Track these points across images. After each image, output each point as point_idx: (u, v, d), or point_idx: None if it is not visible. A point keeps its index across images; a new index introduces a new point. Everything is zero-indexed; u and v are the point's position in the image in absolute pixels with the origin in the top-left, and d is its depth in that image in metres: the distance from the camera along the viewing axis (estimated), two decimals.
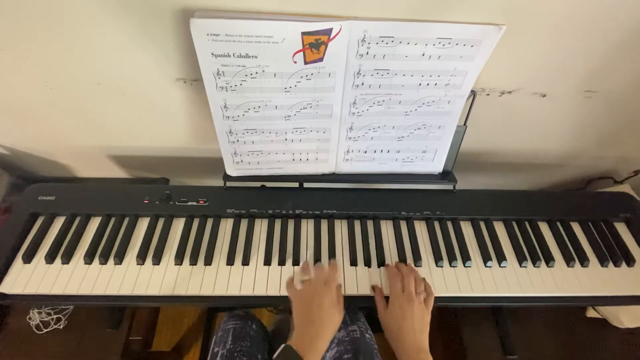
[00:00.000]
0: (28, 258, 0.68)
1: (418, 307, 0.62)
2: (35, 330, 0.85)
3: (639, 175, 0.97)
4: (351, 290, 0.67)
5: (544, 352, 0.88)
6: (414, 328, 0.60)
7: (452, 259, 0.71)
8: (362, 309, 0.83)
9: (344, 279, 0.68)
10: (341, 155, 0.75)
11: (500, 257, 0.72)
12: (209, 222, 0.75)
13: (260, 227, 0.75)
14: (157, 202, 0.76)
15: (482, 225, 0.77)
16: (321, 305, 0.59)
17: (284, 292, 0.66)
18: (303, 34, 0.54)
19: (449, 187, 0.80)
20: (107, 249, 0.70)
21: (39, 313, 0.87)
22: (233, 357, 0.69)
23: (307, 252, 0.71)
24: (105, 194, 0.77)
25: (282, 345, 0.56)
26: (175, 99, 0.74)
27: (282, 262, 0.70)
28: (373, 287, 0.68)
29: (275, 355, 0.55)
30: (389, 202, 0.77)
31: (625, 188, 0.94)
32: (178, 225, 0.75)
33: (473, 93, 0.67)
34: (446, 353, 1.00)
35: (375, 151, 0.75)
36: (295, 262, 0.70)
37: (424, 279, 0.67)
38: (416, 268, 0.70)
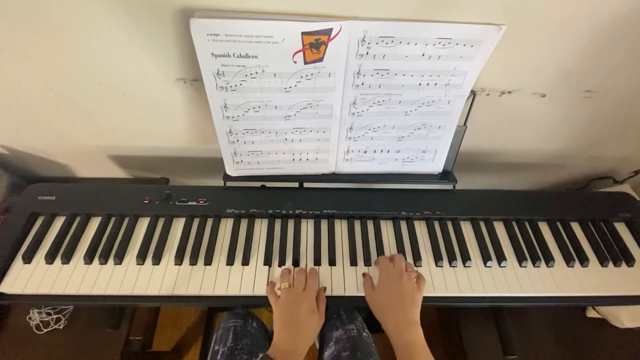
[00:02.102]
0: (28, 258, 0.68)
1: (408, 280, 0.59)
2: (35, 330, 0.85)
3: (639, 175, 0.97)
4: (351, 290, 0.67)
5: (544, 352, 0.88)
6: (404, 300, 0.57)
7: (452, 259, 0.71)
8: (361, 310, 0.83)
9: (343, 279, 0.68)
10: (341, 155, 0.75)
11: (500, 257, 0.72)
12: (209, 222, 0.75)
13: (260, 227, 0.75)
14: (157, 202, 0.76)
15: (482, 225, 0.77)
16: (299, 311, 0.58)
17: None
18: (303, 34, 0.54)
19: (449, 187, 0.80)
20: (107, 249, 0.70)
21: (39, 313, 0.86)
22: (234, 355, 0.68)
23: (307, 252, 0.71)
24: (105, 194, 0.77)
25: (261, 355, 0.55)
26: (175, 99, 0.74)
27: (282, 262, 0.70)
28: (363, 274, 0.67)
29: None
30: (389, 202, 0.77)
31: (625, 188, 0.94)
32: (178, 225, 0.75)
33: (473, 93, 0.67)
34: (446, 353, 1.00)
35: (375, 151, 0.75)
36: (295, 262, 0.70)
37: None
38: (416, 268, 0.70)
